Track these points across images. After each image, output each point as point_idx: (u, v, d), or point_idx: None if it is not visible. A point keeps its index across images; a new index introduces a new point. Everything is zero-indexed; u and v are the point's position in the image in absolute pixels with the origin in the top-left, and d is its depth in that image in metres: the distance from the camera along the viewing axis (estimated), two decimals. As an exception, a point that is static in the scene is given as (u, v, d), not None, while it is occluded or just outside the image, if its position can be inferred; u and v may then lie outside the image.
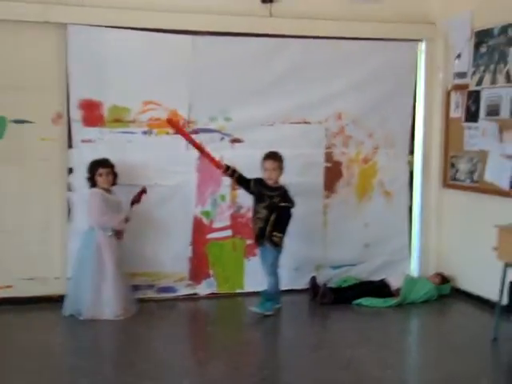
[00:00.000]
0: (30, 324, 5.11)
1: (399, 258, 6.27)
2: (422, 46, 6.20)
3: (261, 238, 5.37)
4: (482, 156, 5.63)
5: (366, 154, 6.15)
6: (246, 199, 5.67)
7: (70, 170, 5.48)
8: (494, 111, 5.49)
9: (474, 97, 5.70)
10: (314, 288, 5.80)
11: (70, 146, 5.47)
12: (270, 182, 5.37)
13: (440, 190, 6.21)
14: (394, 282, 5.84)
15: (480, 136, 5.65)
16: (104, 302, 5.17)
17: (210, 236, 5.84)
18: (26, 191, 5.42)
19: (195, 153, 5.69)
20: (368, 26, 5.94)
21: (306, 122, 5.95)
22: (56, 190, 5.47)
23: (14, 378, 4.10)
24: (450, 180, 6.08)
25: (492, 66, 5.52)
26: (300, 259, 5.93)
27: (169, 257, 5.72)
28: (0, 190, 5.38)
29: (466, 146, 5.84)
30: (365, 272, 6.16)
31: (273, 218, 5.30)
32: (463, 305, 5.76)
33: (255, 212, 5.42)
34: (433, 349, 4.81)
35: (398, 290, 5.76)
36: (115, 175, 5.37)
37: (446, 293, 5.94)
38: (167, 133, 5.64)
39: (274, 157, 5.38)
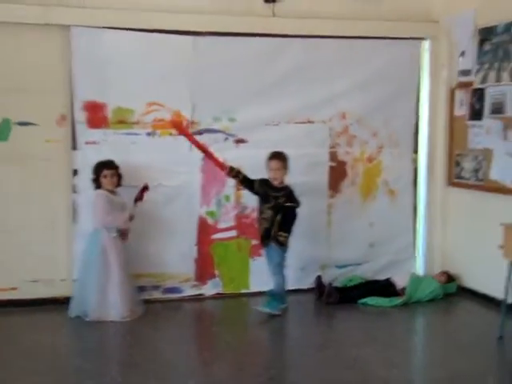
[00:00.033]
0: (35, 326, 5.13)
1: (404, 257, 6.26)
2: (426, 45, 6.19)
3: (266, 238, 5.37)
4: (487, 154, 5.62)
5: (371, 153, 6.15)
6: (250, 199, 5.67)
7: (75, 172, 5.49)
8: (498, 109, 5.48)
9: (479, 95, 5.69)
10: (319, 287, 5.80)
11: (74, 147, 5.48)
12: (275, 182, 5.37)
13: (445, 189, 6.20)
14: (400, 281, 5.84)
15: (484, 134, 5.64)
16: (110, 303, 5.18)
17: (214, 236, 5.85)
18: (31, 193, 5.43)
19: (199, 153, 5.71)
20: (371, 25, 5.93)
21: (309, 122, 5.95)
22: (61, 192, 5.49)
23: (19, 380, 4.11)
24: (454, 178, 6.07)
25: (496, 64, 5.50)
26: (305, 259, 5.92)
27: (174, 257, 5.73)
28: (5, 192, 5.40)
29: (471, 144, 5.82)
30: (370, 271, 6.16)
31: (278, 218, 5.30)
32: (469, 303, 5.75)
33: (260, 212, 5.42)
34: (439, 347, 4.81)
35: (404, 289, 5.75)
36: (120, 177, 5.37)
37: (452, 291, 5.93)
38: (171, 134, 5.65)
39: (278, 156, 5.39)
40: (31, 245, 5.47)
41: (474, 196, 5.83)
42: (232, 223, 5.88)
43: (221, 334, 5.09)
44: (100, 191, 5.29)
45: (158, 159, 5.62)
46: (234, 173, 5.48)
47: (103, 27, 5.39)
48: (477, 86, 5.72)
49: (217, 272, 5.88)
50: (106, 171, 5.29)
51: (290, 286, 5.66)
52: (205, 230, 5.82)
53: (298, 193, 5.40)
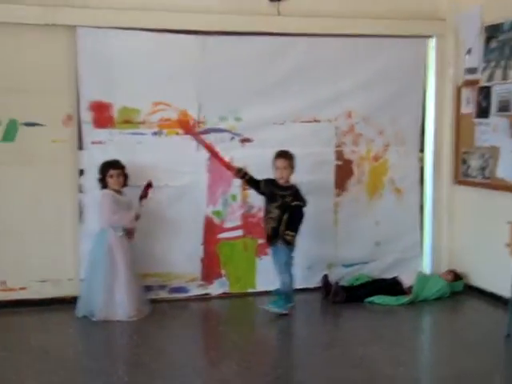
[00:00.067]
0: (43, 325, 5.14)
1: (411, 256, 6.25)
2: (432, 42, 6.17)
3: (273, 237, 5.36)
4: (494, 152, 5.60)
5: (377, 151, 6.14)
6: (256, 199, 5.68)
7: (81, 172, 5.51)
8: (505, 107, 5.47)
9: (485, 92, 5.67)
10: (326, 286, 5.80)
11: (80, 147, 5.50)
12: (282, 181, 5.37)
13: (451, 187, 6.18)
14: (407, 280, 5.82)
15: (491, 132, 5.62)
16: (117, 303, 5.20)
17: (221, 236, 5.85)
18: (38, 193, 5.45)
19: (205, 153, 5.72)
20: (377, 23, 5.91)
21: (316, 121, 5.95)
22: (67, 192, 5.50)
23: (27, 379, 4.12)
24: (461, 176, 6.06)
25: (503, 62, 5.48)
26: (312, 258, 5.92)
27: (180, 257, 5.74)
28: (12, 192, 5.41)
29: (478, 142, 5.81)
30: (377, 270, 6.15)
31: (285, 217, 5.29)
32: (476, 302, 5.74)
33: (267, 212, 5.41)
34: (445, 346, 4.81)
35: (411, 287, 5.74)
36: (126, 176, 5.39)
37: (459, 290, 5.92)
38: (177, 133, 5.66)
39: (284, 155, 5.38)
40: (39, 245, 5.48)
41: (480, 194, 5.81)
42: (238, 223, 5.88)
43: (227, 333, 5.09)
44: (106, 191, 5.31)
45: (164, 159, 5.63)
46: (241, 174, 5.49)
47: (109, 27, 5.40)
48: (483, 83, 5.70)
49: (223, 271, 5.88)
50: (112, 171, 5.30)
51: (297, 284, 5.65)
52: (211, 229, 5.82)
53: (304, 192, 5.39)
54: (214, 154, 5.65)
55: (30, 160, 5.42)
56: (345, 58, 5.94)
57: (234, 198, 5.85)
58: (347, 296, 5.67)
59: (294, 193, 5.35)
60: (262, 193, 5.48)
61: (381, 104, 6.04)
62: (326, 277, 5.87)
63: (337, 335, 5.15)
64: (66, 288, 5.52)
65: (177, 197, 5.69)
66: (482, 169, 5.76)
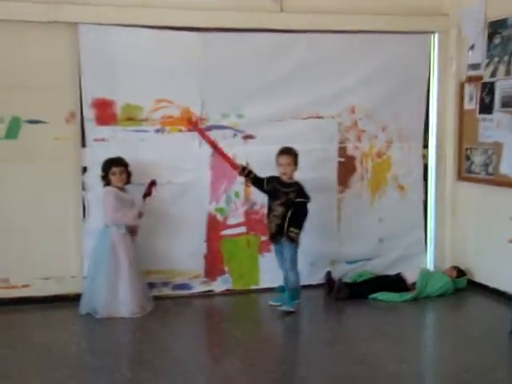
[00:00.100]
0: (46, 323, 5.15)
1: (414, 252, 6.24)
2: (435, 38, 6.15)
3: (278, 235, 5.35)
4: (497, 148, 5.59)
5: (380, 148, 6.13)
6: (259, 196, 5.67)
7: (84, 169, 5.51)
8: (508, 102, 5.45)
9: (488, 88, 5.66)
10: (329, 283, 5.80)
11: (83, 145, 5.50)
12: (285, 178, 5.36)
13: (455, 183, 6.17)
14: (410, 276, 5.81)
15: (495, 128, 5.61)
16: (120, 300, 5.20)
17: (224, 233, 5.85)
18: (41, 191, 5.45)
19: (208, 150, 5.71)
20: (380, 19, 5.89)
21: (318, 117, 5.94)
22: (70, 189, 5.50)
23: (30, 376, 4.14)
24: (464, 173, 6.04)
25: (506, 57, 5.47)
26: (315, 254, 5.91)
27: (183, 254, 5.73)
28: (15, 190, 5.41)
29: (481, 138, 5.79)
30: (380, 266, 6.14)
31: (289, 214, 5.28)
32: (479, 298, 5.73)
33: (271, 209, 5.40)
34: (449, 342, 4.81)
35: (414, 284, 5.73)
36: (129, 174, 5.39)
37: (462, 286, 5.91)
38: (180, 130, 5.66)
39: (288, 152, 5.37)
40: (42, 242, 5.49)
41: (484, 190, 5.80)
42: (241, 219, 5.88)
43: (231, 330, 5.09)
44: (109, 188, 5.31)
45: (167, 156, 5.63)
46: (246, 172, 5.48)
47: (111, 24, 5.39)
48: (486, 79, 5.68)
49: (226, 268, 5.88)
50: (114, 168, 5.30)
51: (300, 281, 5.64)
52: (214, 226, 5.82)
53: (307, 188, 5.38)
54: (219, 152, 5.64)
55: (33, 157, 5.43)
56: (348, 54, 5.93)
57: (236, 194, 5.84)
58: (350, 292, 5.66)
59: (298, 189, 5.34)
60: (265, 191, 5.47)
61: (384, 100, 6.02)
62: (329, 273, 5.87)
63: (340, 332, 5.14)
64: (69, 285, 5.53)
65: (180, 194, 5.69)
66: (486, 165, 5.75)
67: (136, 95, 5.53)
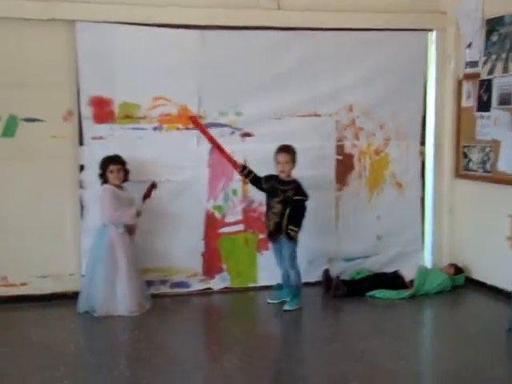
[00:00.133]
0: (44, 321, 5.15)
1: (412, 250, 6.25)
2: (433, 36, 6.15)
3: (276, 232, 5.35)
4: (495, 145, 5.60)
5: (378, 145, 6.13)
6: (257, 193, 5.66)
7: (82, 167, 5.50)
8: (506, 100, 5.46)
9: (486, 86, 5.66)
10: (327, 281, 5.80)
11: (81, 143, 5.50)
12: (283, 176, 5.36)
13: (452, 181, 6.18)
14: (408, 274, 5.82)
15: (492, 125, 5.61)
16: (118, 298, 5.20)
17: (222, 230, 5.85)
18: (38, 189, 5.44)
19: (206, 148, 5.71)
20: (378, 17, 5.90)
21: (316, 115, 5.94)
22: (68, 188, 5.50)
23: (28, 375, 4.13)
24: (462, 170, 6.05)
25: (504, 55, 5.47)
26: (313, 252, 5.91)
27: (181, 252, 5.74)
28: (12, 188, 5.41)
29: (479, 136, 5.80)
30: (378, 264, 6.15)
31: (288, 211, 5.28)
32: (477, 295, 5.74)
33: (269, 207, 5.40)
34: (447, 340, 4.81)
35: (412, 281, 5.74)
36: (126, 172, 5.38)
37: (460, 283, 5.92)
38: (178, 128, 5.65)
39: (286, 150, 5.37)
40: (39, 240, 5.49)
41: (481, 188, 5.80)
42: (239, 217, 5.88)
43: (229, 328, 5.09)
44: (107, 186, 5.30)
45: (165, 154, 5.62)
46: (246, 172, 5.48)
47: (108, 22, 5.39)
48: (484, 77, 5.69)
49: (224, 266, 5.88)
50: (112, 166, 5.29)
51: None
52: (212, 224, 5.82)
53: (305, 186, 5.38)
54: (222, 152, 5.62)
55: (31, 156, 5.42)
56: (345, 52, 5.93)
57: (234, 192, 5.84)
58: (348, 290, 5.67)
59: (296, 187, 5.34)
60: (263, 189, 5.47)
61: (381, 98, 6.02)
62: (327, 271, 5.87)
63: (338, 329, 5.15)
64: (67, 283, 5.53)
65: (178, 192, 5.68)
66: (483, 162, 5.75)
67: (134, 93, 5.53)
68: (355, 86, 5.98)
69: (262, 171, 5.46)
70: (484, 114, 5.70)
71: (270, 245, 5.57)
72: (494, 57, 5.58)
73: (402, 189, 6.20)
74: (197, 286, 5.82)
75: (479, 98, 5.76)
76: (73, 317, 5.21)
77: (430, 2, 6.09)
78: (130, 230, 5.36)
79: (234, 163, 5.55)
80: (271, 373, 4.26)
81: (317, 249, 5.94)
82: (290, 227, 5.27)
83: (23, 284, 5.49)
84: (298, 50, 5.82)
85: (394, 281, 5.80)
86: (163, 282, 5.73)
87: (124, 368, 4.24)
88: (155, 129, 5.62)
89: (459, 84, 6.02)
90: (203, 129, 5.60)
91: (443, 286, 5.78)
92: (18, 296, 5.45)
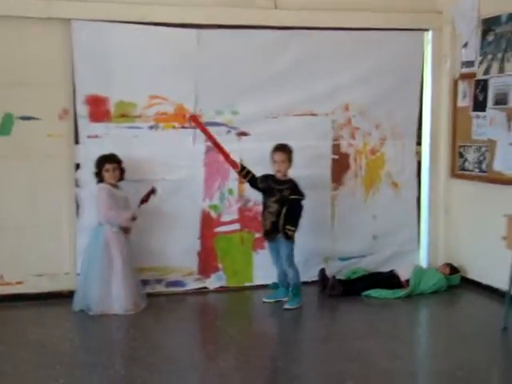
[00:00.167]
0: (40, 319, 5.14)
1: (408, 249, 6.26)
2: (429, 36, 6.16)
3: (273, 232, 5.35)
4: (491, 145, 5.61)
5: (374, 145, 6.13)
6: (253, 193, 5.66)
7: (77, 166, 5.49)
8: (502, 100, 5.46)
9: (482, 86, 5.67)
10: (323, 280, 5.80)
11: (76, 141, 5.48)
12: (279, 175, 5.36)
13: (448, 181, 6.18)
14: (403, 273, 5.82)
15: (488, 125, 5.62)
16: (113, 296, 5.19)
17: (217, 230, 5.85)
18: (34, 187, 5.43)
19: (202, 147, 5.70)
20: (374, 17, 5.90)
21: (312, 114, 5.94)
22: (63, 186, 5.49)
23: (24, 373, 4.12)
24: (458, 170, 6.06)
25: (500, 55, 5.48)
26: (308, 251, 5.90)
27: (177, 251, 5.73)
28: (8, 187, 5.40)
29: (474, 136, 5.81)
30: (374, 263, 6.15)
31: (284, 211, 5.28)
32: (472, 295, 5.75)
33: (265, 207, 5.40)
34: (442, 339, 4.82)
35: (407, 281, 5.74)
36: (122, 171, 5.37)
37: (456, 283, 5.92)
38: (174, 127, 5.65)
39: (283, 149, 5.37)
40: (35, 239, 5.48)
41: (477, 187, 5.81)
42: (235, 216, 5.88)
43: (224, 327, 5.09)
44: (102, 185, 5.29)
45: (161, 153, 5.61)
46: (244, 172, 5.47)
47: (104, 20, 5.37)
48: (480, 77, 5.69)
49: (220, 265, 5.88)
50: (107, 165, 5.28)
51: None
52: (208, 223, 5.81)
53: (301, 186, 5.38)
54: (222, 152, 5.60)
55: (26, 154, 5.41)
56: (341, 51, 5.93)
57: (230, 191, 5.84)
58: (344, 289, 5.67)
59: (292, 186, 5.34)
60: (259, 189, 5.47)
61: (377, 97, 6.02)
62: (322, 270, 5.87)
63: (334, 329, 5.15)
64: (63, 282, 5.52)
65: (173, 191, 5.68)
66: (479, 162, 5.76)
67: (130, 92, 5.52)
68: (351, 85, 5.98)
69: (258, 170, 5.45)
70: (480, 113, 5.71)
71: (266, 244, 5.57)
72: (489, 57, 5.59)
73: (397, 188, 6.21)
74: (192, 285, 5.81)
75: (475, 97, 5.76)
76: (68, 315, 5.20)
77: (425, 1, 6.10)
78: (125, 230, 5.35)
79: (232, 163, 5.54)
80: (267, 372, 4.26)
81: (313, 248, 5.93)
82: (288, 227, 5.27)
83: (19, 283, 5.47)
84: (294, 50, 5.82)
85: (389, 280, 5.81)
86: (159, 281, 5.72)
87: (119, 367, 4.23)
88: (151, 128, 5.61)
89: (455, 84, 6.03)
90: (203, 128, 5.59)
91: (439, 285, 5.79)
92: (13, 295, 5.43)
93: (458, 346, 4.60)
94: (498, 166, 5.52)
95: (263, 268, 5.78)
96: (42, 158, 5.43)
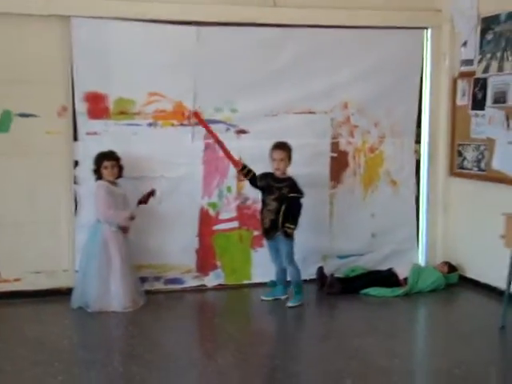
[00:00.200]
0: (38, 317, 5.13)
1: (406, 248, 6.26)
2: (428, 34, 6.16)
3: (272, 230, 5.34)
4: (489, 144, 5.61)
5: (372, 143, 6.13)
6: (252, 190, 5.66)
7: (76, 163, 5.48)
8: (500, 98, 5.46)
9: (481, 84, 5.67)
10: (321, 278, 5.80)
11: (75, 138, 5.48)
12: (278, 173, 5.36)
13: (447, 179, 6.18)
14: (402, 272, 5.82)
15: (487, 124, 5.62)
16: (112, 294, 5.19)
17: (216, 227, 5.84)
18: (33, 184, 5.42)
19: (201, 144, 5.70)
20: (373, 15, 5.89)
21: (311, 112, 5.93)
22: (62, 183, 5.48)
23: (22, 370, 4.12)
24: (456, 168, 6.06)
25: (499, 53, 5.48)
26: (307, 249, 5.89)
27: (176, 248, 5.72)
28: (6, 184, 5.39)
29: (473, 134, 5.81)
30: (372, 261, 6.15)
31: (283, 209, 5.27)
32: (471, 293, 5.76)
33: (264, 205, 5.39)
34: (440, 337, 4.82)
35: (406, 279, 5.74)
36: (121, 168, 5.37)
37: (454, 282, 5.93)
38: (172, 124, 5.64)
39: (282, 147, 5.37)
40: (33, 236, 5.47)
41: (476, 186, 5.82)
42: (233, 214, 5.87)
43: (223, 324, 5.09)
44: (101, 182, 5.29)
45: (160, 150, 5.61)
46: (246, 171, 5.46)
47: (103, 17, 5.36)
48: (479, 75, 5.69)
49: (218, 263, 5.87)
50: (106, 162, 5.28)
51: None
52: (206, 221, 5.81)
53: (300, 183, 5.37)
54: (223, 150, 5.57)
55: (25, 151, 5.40)
56: (340, 49, 5.92)
57: (229, 189, 5.84)
58: (342, 288, 5.67)
59: (291, 184, 5.33)
60: (259, 187, 5.46)
61: (376, 95, 6.02)
62: (321, 268, 5.87)
63: (332, 327, 5.16)
64: (61, 279, 5.51)
65: (172, 188, 5.67)
66: (478, 161, 5.77)
67: (129, 89, 5.51)
68: (350, 83, 5.97)
69: (257, 168, 5.45)
70: (479, 112, 5.71)
71: (265, 242, 5.57)
72: (488, 55, 5.59)
73: (396, 187, 6.21)
74: (191, 282, 5.81)
75: (474, 96, 5.76)
76: (66, 313, 5.20)
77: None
78: (124, 229, 5.35)
79: (234, 161, 5.52)
80: (265, 369, 4.27)
81: (311, 246, 5.92)
82: (287, 225, 5.27)
83: (17, 280, 5.46)
84: (293, 47, 5.82)
85: (388, 278, 5.81)
86: (157, 279, 5.72)
87: (118, 364, 4.23)
88: (150, 125, 5.60)
89: (454, 82, 6.03)
90: (205, 125, 5.58)
91: (437, 284, 5.79)
92: (11, 292, 5.42)
93: (456, 344, 4.60)
94: (497, 164, 5.52)
95: (261, 266, 5.78)
96: (41, 155, 5.42)
